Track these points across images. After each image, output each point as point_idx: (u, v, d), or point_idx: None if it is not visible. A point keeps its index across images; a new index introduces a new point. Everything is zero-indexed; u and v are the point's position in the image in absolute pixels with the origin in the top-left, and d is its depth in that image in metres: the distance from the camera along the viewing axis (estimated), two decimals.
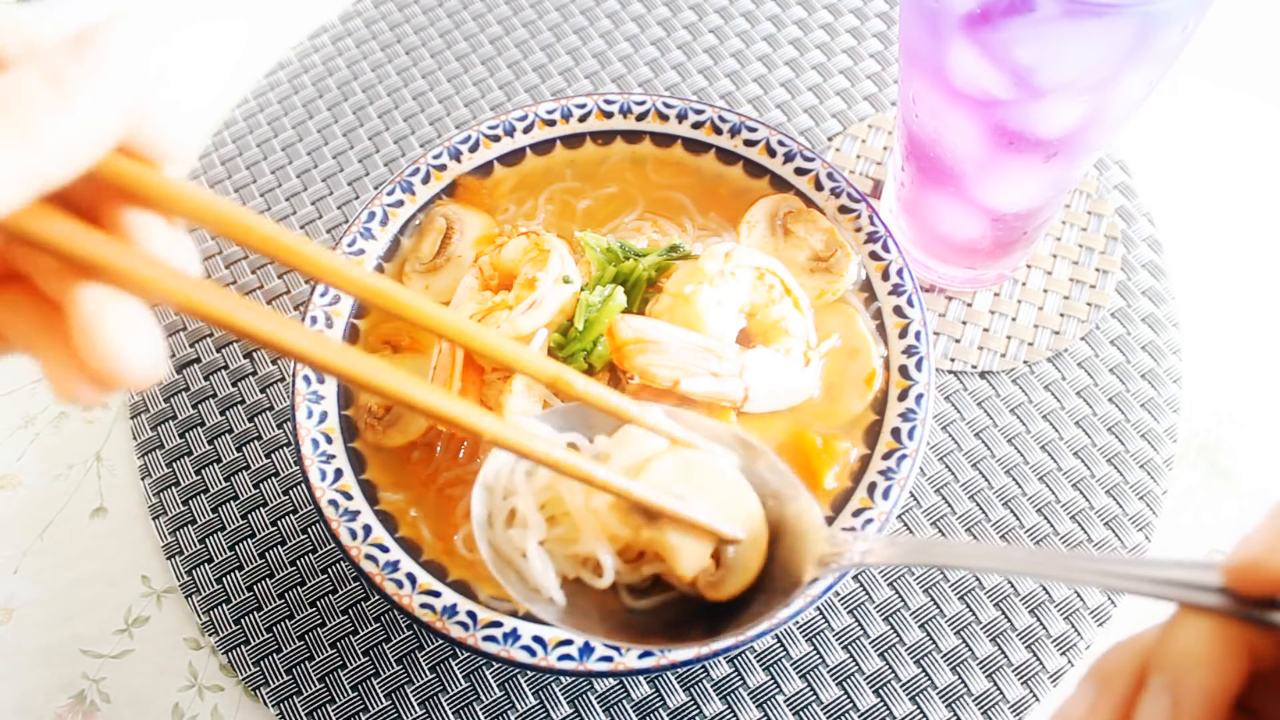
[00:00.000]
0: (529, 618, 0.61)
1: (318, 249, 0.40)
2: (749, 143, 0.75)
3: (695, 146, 0.77)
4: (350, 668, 0.70)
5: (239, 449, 0.78)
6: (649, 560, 0.55)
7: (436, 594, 0.62)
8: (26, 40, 0.31)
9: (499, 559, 0.55)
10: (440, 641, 0.70)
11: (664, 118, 0.77)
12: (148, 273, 0.34)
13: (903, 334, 0.68)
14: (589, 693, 0.68)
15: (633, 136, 0.78)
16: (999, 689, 0.68)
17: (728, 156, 0.76)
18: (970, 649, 0.69)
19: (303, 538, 0.74)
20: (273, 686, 0.70)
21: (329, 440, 0.67)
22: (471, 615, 0.61)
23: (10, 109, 0.29)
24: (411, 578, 0.62)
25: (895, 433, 0.65)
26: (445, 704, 0.68)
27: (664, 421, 0.53)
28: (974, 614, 0.70)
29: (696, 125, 0.76)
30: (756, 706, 0.68)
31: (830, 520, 0.63)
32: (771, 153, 0.75)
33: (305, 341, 0.39)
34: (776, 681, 0.68)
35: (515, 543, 0.55)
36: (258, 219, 0.38)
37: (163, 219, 0.36)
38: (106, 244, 0.33)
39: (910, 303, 0.68)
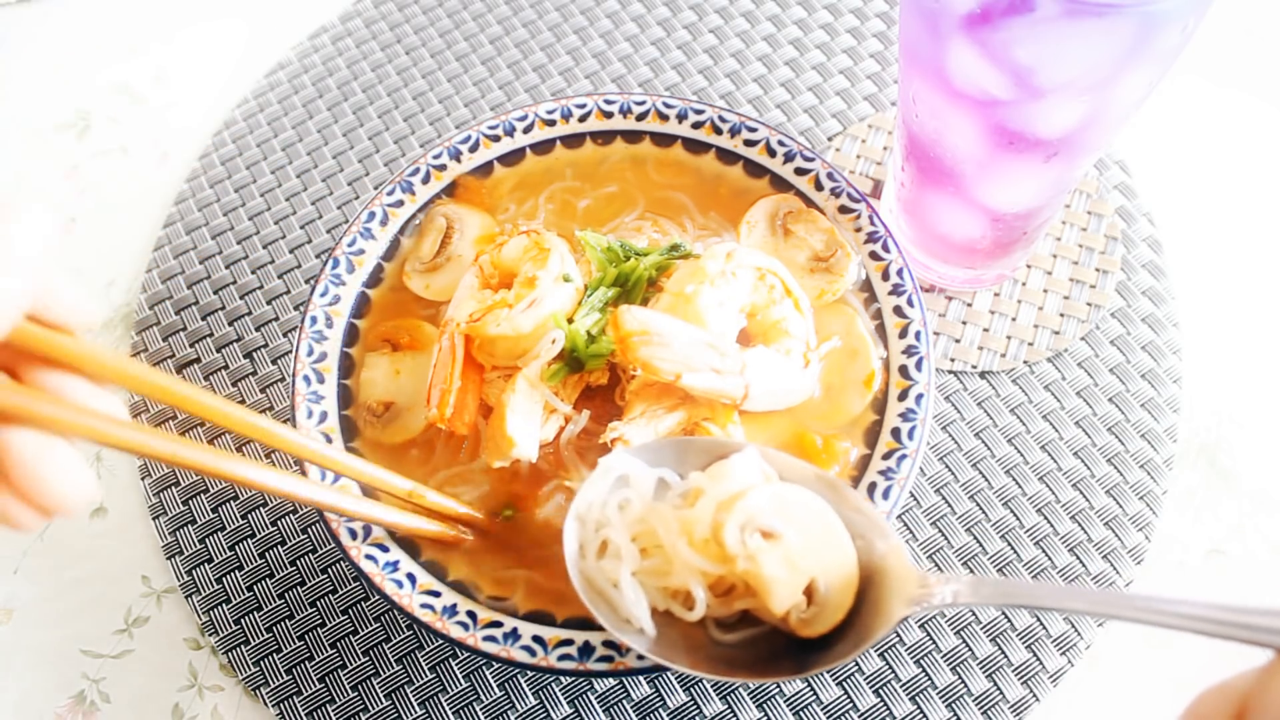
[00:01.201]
0: (529, 618, 0.61)
1: (240, 413, 0.48)
2: (749, 143, 0.75)
3: (695, 146, 0.77)
4: (350, 668, 0.70)
5: (239, 449, 0.78)
6: (739, 595, 0.56)
7: (436, 594, 0.62)
8: None
9: (591, 590, 0.56)
10: (440, 641, 0.70)
11: (664, 118, 0.77)
12: (77, 420, 0.39)
13: (903, 334, 0.68)
14: (589, 693, 0.68)
15: (633, 136, 0.78)
16: (999, 689, 0.68)
17: (728, 156, 0.76)
18: (970, 649, 0.69)
19: (303, 538, 0.74)
20: (273, 686, 0.70)
21: (329, 440, 0.67)
22: (471, 615, 0.61)
23: None
24: (411, 578, 0.62)
25: (895, 433, 0.65)
26: (445, 704, 0.68)
27: (759, 458, 0.53)
28: (974, 614, 0.70)
29: (696, 125, 0.76)
30: (756, 707, 0.67)
31: None
32: (771, 153, 0.75)
33: (249, 472, 0.47)
34: (776, 681, 0.68)
35: (608, 574, 0.56)
36: (171, 381, 0.45)
37: (84, 379, 0.42)
38: (32, 397, 0.38)
39: (910, 303, 0.68)
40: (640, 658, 0.58)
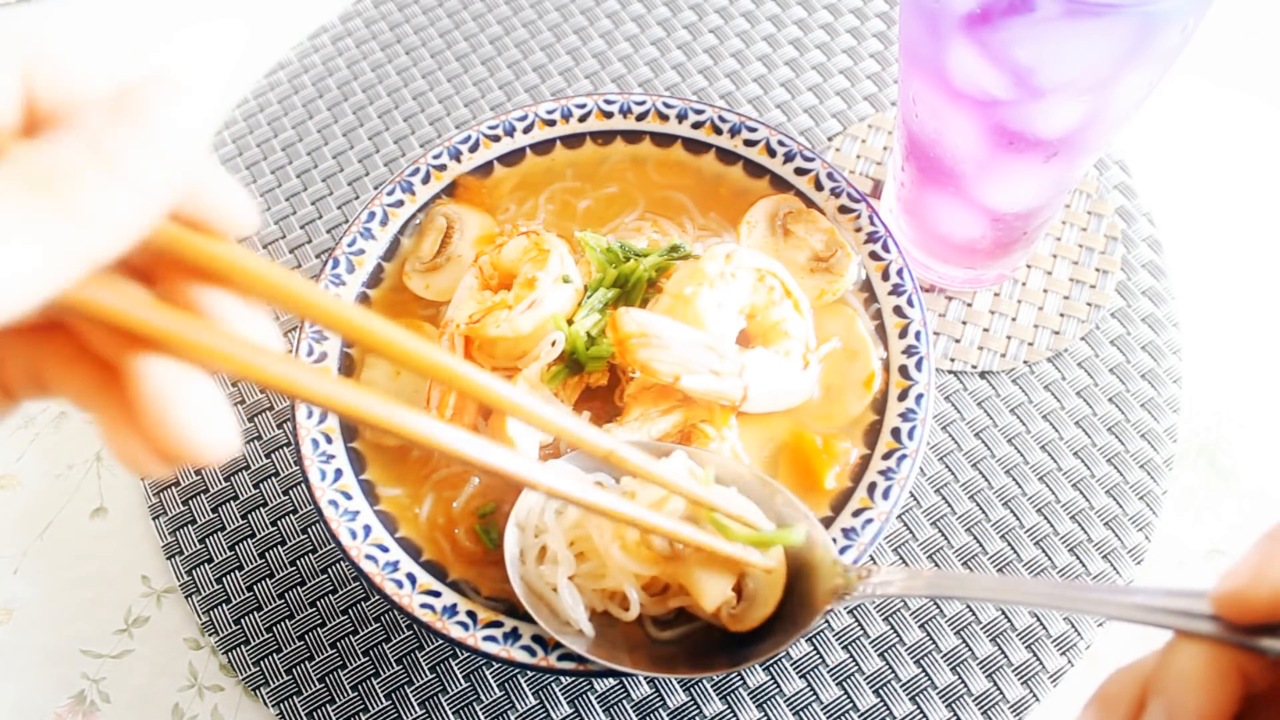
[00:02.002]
0: (529, 618, 0.61)
1: (433, 355, 0.39)
2: (749, 143, 0.75)
3: (695, 146, 0.77)
4: (350, 668, 0.70)
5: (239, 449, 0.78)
6: (674, 594, 0.58)
7: (436, 594, 0.62)
8: (68, 92, 0.30)
9: (531, 594, 0.59)
10: (440, 641, 0.70)
11: (664, 118, 0.77)
12: (220, 348, 0.31)
13: (903, 334, 0.68)
14: (589, 693, 0.68)
15: (633, 136, 0.78)
16: (999, 689, 0.68)
17: (728, 156, 0.76)
18: (970, 649, 0.69)
19: (303, 538, 0.74)
20: (273, 686, 0.70)
21: (329, 440, 0.67)
22: (471, 615, 0.61)
23: (53, 184, 0.26)
24: (411, 578, 0.62)
25: (895, 433, 0.65)
26: (445, 704, 0.68)
27: (684, 478, 0.54)
28: (974, 614, 0.70)
29: (696, 125, 0.76)
30: (756, 707, 0.68)
31: (830, 520, 0.63)
32: (771, 153, 0.75)
33: (423, 425, 0.38)
34: (776, 681, 0.68)
35: (546, 578, 0.59)
36: (340, 306, 0.36)
37: (235, 294, 0.33)
38: (171, 316, 0.30)
39: (910, 303, 0.68)
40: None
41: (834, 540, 0.61)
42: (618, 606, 0.58)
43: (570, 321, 0.67)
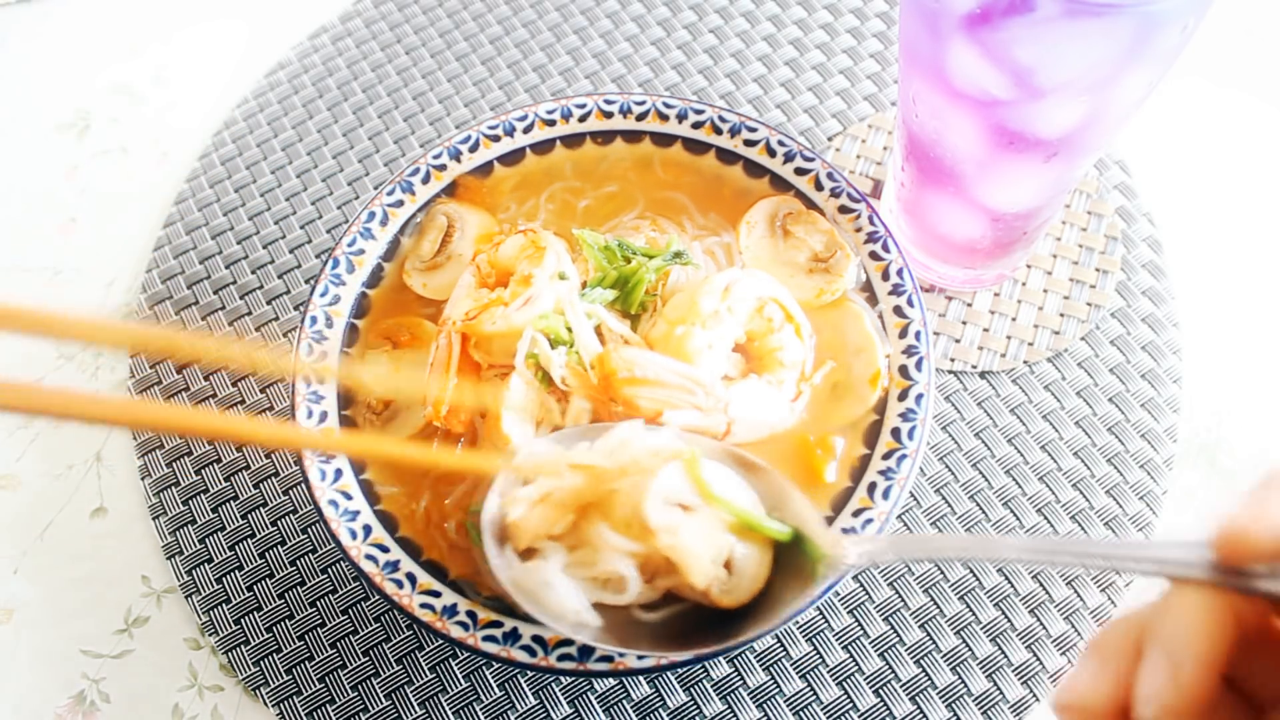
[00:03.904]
0: (529, 618, 0.61)
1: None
2: (749, 143, 0.75)
3: (695, 146, 0.77)
4: (350, 668, 0.70)
5: (239, 449, 0.78)
6: (663, 575, 0.57)
7: (436, 594, 0.62)
8: None
9: (522, 593, 0.56)
10: (440, 641, 0.70)
11: (664, 118, 0.77)
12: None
13: (903, 334, 0.68)
14: (589, 693, 0.68)
15: (633, 136, 0.78)
16: (999, 689, 0.68)
17: (728, 156, 0.76)
18: (970, 649, 0.69)
19: (303, 538, 0.74)
20: (273, 686, 0.70)
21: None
22: (471, 615, 0.61)
23: None
24: (411, 578, 0.62)
25: (895, 433, 0.65)
26: (445, 704, 0.68)
27: (674, 433, 0.54)
28: (974, 614, 0.70)
29: (696, 125, 0.76)
30: (756, 706, 0.67)
31: (830, 520, 0.63)
32: (771, 153, 0.75)
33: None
34: (776, 681, 0.68)
35: (536, 575, 0.56)
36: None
37: None
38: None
39: (910, 303, 0.68)
40: (640, 657, 0.59)
41: None
42: (611, 592, 0.57)
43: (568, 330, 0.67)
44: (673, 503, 0.55)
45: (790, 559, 0.56)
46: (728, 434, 0.65)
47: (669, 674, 0.69)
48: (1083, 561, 0.41)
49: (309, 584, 0.73)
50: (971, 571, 0.71)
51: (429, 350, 0.69)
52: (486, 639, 0.60)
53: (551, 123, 0.78)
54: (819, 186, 0.73)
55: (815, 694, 0.68)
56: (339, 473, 0.66)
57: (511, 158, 0.78)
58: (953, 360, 0.78)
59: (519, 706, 0.68)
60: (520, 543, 0.57)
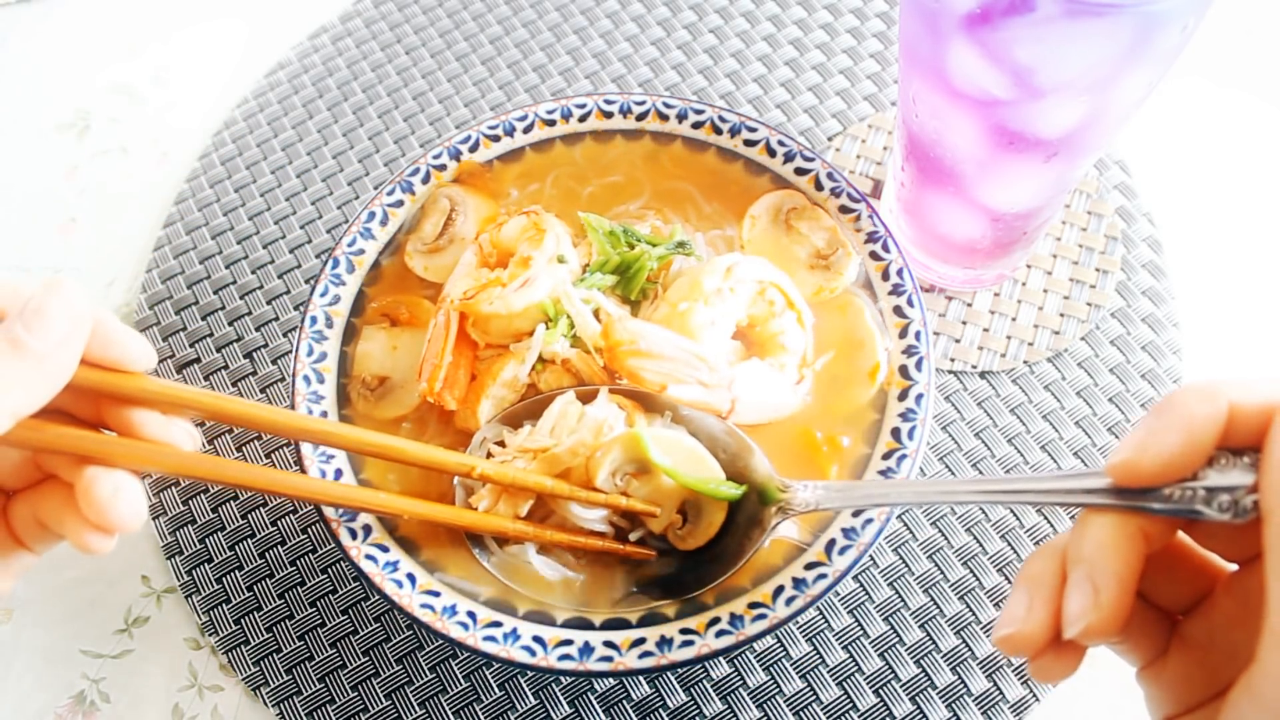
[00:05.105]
0: (529, 618, 0.61)
1: (293, 415, 0.59)
2: (749, 143, 0.75)
3: (695, 146, 0.77)
4: (350, 668, 0.70)
5: (239, 449, 0.78)
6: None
7: (436, 594, 0.62)
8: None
9: (509, 572, 0.63)
10: (440, 641, 0.70)
11: (664, 118, 0.77)
12: (131, 451, 0.48)
13: (903, 334, 0.68)
14: (589, 693, 0.68)
15: (632, 136, 0.78)
16: (999, 689, 0.68)
17: (728, 156, 0.76)
18: (970, 649, 0.69)
19: (303, 538, 0.74)
20: (273, 686, 0.70)
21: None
22: (471, 615, 0.61)
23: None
24: (411, 578, 0.62)
25: (895, 433, 0.65)
26: (445, 704, 0.68)
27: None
28: (974, 614, 0.70)
29: (696, 125, 0.76)
30: (756, 706, 0.68)
31: (830, 520, 0.63)
32: (771, 153, 0.75)
33: (298, 481, 0.59)
34: (776, 681, 0.68)
35: (516, 558, 0.63)
36: (225, 400, 0.53)
37: (156, 412, 0.50)
38: (94, 438, 0.47)
39: (910, 303, 0.68)
40: (640, 658, 0.59)
41: (833, 540, 0.62)
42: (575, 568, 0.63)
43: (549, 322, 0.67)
44: (624, 472, 0.62)
45: (750, 509, 0.61)
46: (731, 412, 0.64)
47: (669, 674, 0.69)
48: (1005, 499, 0.45)
49: (309, 584, 0.73)
50: (972, 572, 0.71)
51: (425, 329, 0.70)
52: (486, 639, 0.60)
53: (551, 123, 0.78)
54: (819, 186, 0.73)
55: (815, 694, 0.68)
56: (339, 473, 0.66)
57: (511, 158, 0.78)
58: (953, 360, 0.79)
59: (519, 706, 0.68)
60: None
